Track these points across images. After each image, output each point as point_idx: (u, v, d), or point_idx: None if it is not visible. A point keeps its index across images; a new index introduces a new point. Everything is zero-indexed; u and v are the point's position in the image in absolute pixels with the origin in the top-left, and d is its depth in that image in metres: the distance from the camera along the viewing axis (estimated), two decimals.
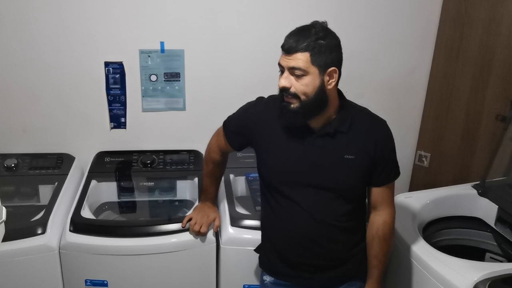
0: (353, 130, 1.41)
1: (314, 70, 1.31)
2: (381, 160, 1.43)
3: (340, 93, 1.44)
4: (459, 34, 2.16)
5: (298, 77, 1.32)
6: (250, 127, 1.50)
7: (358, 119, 1.43)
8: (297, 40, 1.31)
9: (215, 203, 1.80)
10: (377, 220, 1.50)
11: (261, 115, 1.49)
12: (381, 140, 1.43)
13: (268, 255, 1.56)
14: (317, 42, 1.30)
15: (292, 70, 1.32)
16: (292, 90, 1.33)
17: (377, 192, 1.48)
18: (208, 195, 1.76)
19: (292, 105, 1.34)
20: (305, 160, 1.41)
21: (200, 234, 1.69)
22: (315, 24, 1.34)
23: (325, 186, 1.42)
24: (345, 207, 1.45)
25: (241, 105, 1.58)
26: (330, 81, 1.34)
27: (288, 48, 1.31)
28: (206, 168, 1.72)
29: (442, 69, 2.26)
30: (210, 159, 1.68)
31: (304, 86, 1.32)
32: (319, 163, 1.41)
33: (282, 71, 1.35)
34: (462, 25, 2.14)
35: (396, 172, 1.49)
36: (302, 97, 1.33)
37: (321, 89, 1.33)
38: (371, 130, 1.43)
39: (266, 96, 1.55)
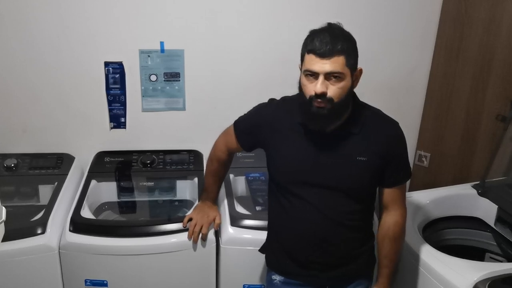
0: (365, 131, 1.41)
1: (348, 72, 1.31)
2: (391, 161, 1.43)
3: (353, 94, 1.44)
4: (459, 34, 2.16)
5: (334, 81, 1.30)
6: (262, 126, 1.50)
7: (370, 120, 1.42)
8: (330, 42, 1.28)
9: (215, 202, 1.80)
10: (388, 220, 1.50)
11: (273, 115, 1.48)
12: (392, 141, 1.43)
13: (277, 254, 1.55)
14: (348, 43, 1.30)
15: (328, 74, 1.29)
16: (329, 94, 1.30)
17: (388, 193, 1.48)
18: (209, 194, 1.76)
19: (326, 110, 1.32)
20: (316, 161, 1.41)
21: (203, 237, 1.69)
22: (334, 26, 1.33)
23: (336, 187, 1.41)
24: (355, 206, 1.45)
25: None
26: (356, 81, 1.36)
27: (324, 52, 1.28)
28: (211, 167, 1.72)
29: (442, 69, 2.26)
30: (216, 157, 1.68)
31: (341, 89, 1.31)
32: (330, 163, 1.40)
33: (312, 76, 1.31)
34: (462, 25, 2.14)
35: (406, 174, 1.48)
36: (336, 100, 1.31)
37: (351, 90, 1.35)
38: (382, 131, 1.43)
39: (267, 97, 1.56)
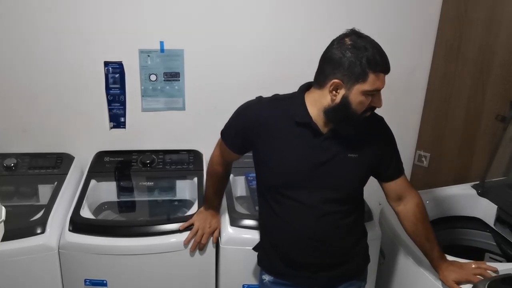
0: (356, 130, 1.42)
1: None
2: (385, 156, 1.47)
3: None
4: (459, 34, 2.16)
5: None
6: (251, 127, 1.44)
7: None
8: (385, 54, 1.30)
9: (218, 211, 1.77)
10: (410, 207, 1.51)
11: (263, 115, 1.43)
12: (381, 137, 1.47)
13: (269, 255, 1.55)
14: None
15: None
16: None
17: (396, 184, 1.50)
18: (212, 204, 1.74)
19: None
20: (313, 162, 1.40)
21: (200, 247, 1.70)
22: (363, 34, 1.33)
23: (331, 186, 1.41)
24: (349, 205, 1.46)
25: (240, 105, 1.53)
26: None
27: (388, 67, 1.31)
28: (210, 181, 1.68)
29: (442, 69, 2.26)
30: (214, 171, 1.64)
31: None
32: (326, 164, 1.40)
33: (374, 94, 1.32)
34: (462, 25, 2.14)
35: (401, 164, 1.53)
36: None
37: None
38: (372, 129, 1.45)
39: (257, 95, 1.52)
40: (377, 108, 1.47)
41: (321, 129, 1.39)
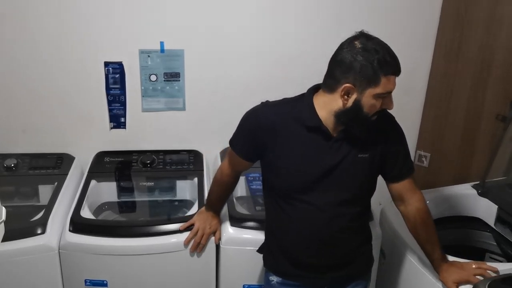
0: (367, 131, 1.40)
1: None
2: (394, 155, 1.44)
3: None
4: (459, 34, 2.16)
5: None
6: (258, 131, 1.41)
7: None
8: (396, 56, 1.30)
9: (219, 214, 1.76)
10: (410, 210, 1.50)
11: (272, 119, 1.40)
12: (389, 134, 1.44)
13: (276, 256, 1.53)
14: None
15: None
16: None
17: (400, 186, 1.48)
18: (213, 207, 1.74)
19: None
20: (324, 165, 1.38)
21: (200, 247, 1.70)
22: (375, 37, 1.32)
23: (342, 188, 1.40)
24: (359, 208, 1.45)
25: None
26: None
27: (399, 70, 1.31)
28: (215, 188, 1.66)
29: (442, 69, 2.26)
30: (221, 181, 1.63)
31: None
32: (337, 166, 1.38)
33: (386, 96, 1.33)
34: (462, 25, 2.14)
35: (410, 166, 1.49)
36: None
37: None
38: (382, 127, 1.43)
39: (267, 97, 1.49)
40: None
41: (331, 132, 1.38)
